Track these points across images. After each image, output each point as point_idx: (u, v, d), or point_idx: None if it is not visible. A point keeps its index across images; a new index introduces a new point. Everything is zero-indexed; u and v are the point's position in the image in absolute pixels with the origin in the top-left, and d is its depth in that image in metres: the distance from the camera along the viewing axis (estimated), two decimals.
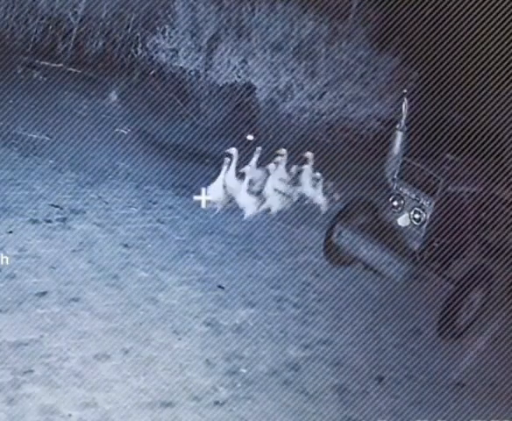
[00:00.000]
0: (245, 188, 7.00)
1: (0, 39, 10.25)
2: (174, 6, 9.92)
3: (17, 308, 4.99)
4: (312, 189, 7.43)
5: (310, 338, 5.79)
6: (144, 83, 10.48)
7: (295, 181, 7.37)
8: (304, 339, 5.74)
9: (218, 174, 8.39)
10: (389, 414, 5.17)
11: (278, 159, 7.30)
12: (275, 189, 7.15)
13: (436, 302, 6.40)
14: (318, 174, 7.49)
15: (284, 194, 7.23)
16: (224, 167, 7.05)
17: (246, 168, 7.04)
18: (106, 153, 8.02)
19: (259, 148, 7.20)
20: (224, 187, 6.92)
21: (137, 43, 10.47)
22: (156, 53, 9.86)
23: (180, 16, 9.88)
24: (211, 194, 6.94)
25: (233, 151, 7.04)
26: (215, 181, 7.06)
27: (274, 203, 7.17)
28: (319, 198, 7.42)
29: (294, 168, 7.43)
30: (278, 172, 7.22)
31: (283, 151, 7.41)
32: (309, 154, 7.51)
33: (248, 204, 6.99)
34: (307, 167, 7.45)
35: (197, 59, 9.76)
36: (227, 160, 7.03)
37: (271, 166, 7.18)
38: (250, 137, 7.92)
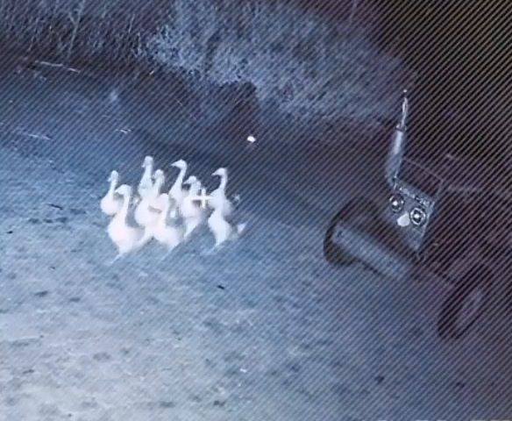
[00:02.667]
0: (190, 199, 6.44)
1: (0, 39, 10.25)
2: (174, 6, 9.92)
3: (17, 308, 4.99)
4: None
5: (310, 338, 5.79)
6: (144, 83, 10.49)
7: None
8: (304, 339, 5.74)
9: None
10: (389, 414, 5.17)
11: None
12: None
13: (436, 302, 6.40)
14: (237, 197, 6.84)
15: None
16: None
17: (190, 179, 6.48)
18: (106, 153, 8.01)
19: (183, 163, 6.61)
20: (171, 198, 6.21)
21: (137, 43, 10.48)
22: (156, 53, 9.87)
23: (180, 16, 9.89)
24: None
25: (182, 164, 6.55)
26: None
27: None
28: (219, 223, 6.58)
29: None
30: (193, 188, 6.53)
31: (182, 163, 6.66)
32: (222, 171, 6.81)
33: (195, 216, 6.43)
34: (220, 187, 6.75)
35: (197, 59, 9.77)
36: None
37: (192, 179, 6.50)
38: (251, 138, 7.76)
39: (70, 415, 4.29)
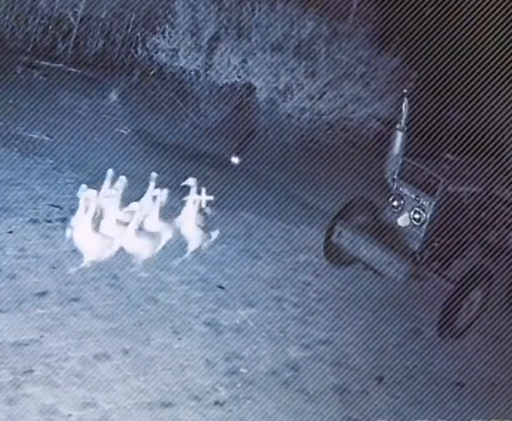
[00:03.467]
0: (157, 212, 6.12)
1: (0, 39, 10.25)
2: (174, 6, 9.92)
3: (17, 308, 4.99)
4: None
5: (310, 338, 5.79)
6: (144, 83, 10.49)
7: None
8: (304, 339, 5.74)
9: (218, 174, 8.44)
10: (389, 414, 5.17)
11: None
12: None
13: (436, 302, 6.40)
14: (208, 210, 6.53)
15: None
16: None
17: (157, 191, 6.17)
18: (106, 153, 8.02)
19: (154, 174, 6.28)
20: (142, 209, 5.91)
21: (137, 43, 10.48)
22: (156, 53, 9.87)
23: (180, 16, 9.89)
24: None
25: (153, 176, 6.24)
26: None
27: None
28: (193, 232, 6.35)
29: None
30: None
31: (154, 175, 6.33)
32: (192, 181, 6.49)
33: (162, 230, 6.07)
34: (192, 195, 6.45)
35: (197, 59, 9.77)
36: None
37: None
38: (235, 159, 7.65)
39: (70, 415, 4.29)
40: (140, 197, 6.11)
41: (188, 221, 6.25)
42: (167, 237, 6.04)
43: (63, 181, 7.11)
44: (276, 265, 6.78)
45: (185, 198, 6.35)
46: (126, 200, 5.98)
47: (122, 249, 5.80)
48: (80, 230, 5.58)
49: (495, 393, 5.75)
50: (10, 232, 5.90)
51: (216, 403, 4.77)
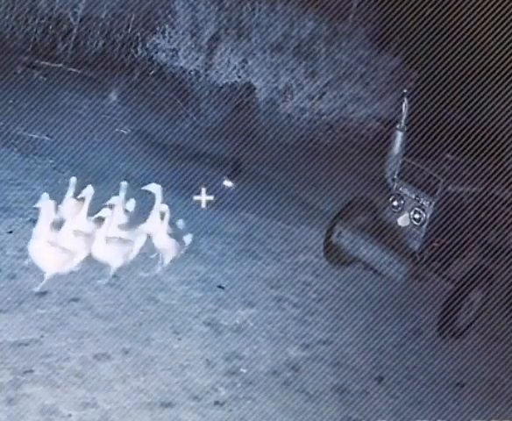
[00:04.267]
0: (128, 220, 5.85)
1: (0, 39, 10.25)
2: (174, 6, 9.92)
3: (17, 308, 4.99)
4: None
5: (310, 338, 5.79)
6: (144, 83, 10.49)
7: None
8: (304, 339, 5.74)
9: (218, 174, 8.44)
10: (389, 414, 5.17)
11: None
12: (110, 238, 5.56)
13: (436, 302, 6.40)
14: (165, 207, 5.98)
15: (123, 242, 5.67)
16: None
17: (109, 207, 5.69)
18: (106, 153, 8.02)
19: (124, 183, 5.96)
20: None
21: (137, 43, 10.48)
22: (156, 53, 9.87)
23: (180, 16, 9.89)
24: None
25: (123, 185, 5.92)
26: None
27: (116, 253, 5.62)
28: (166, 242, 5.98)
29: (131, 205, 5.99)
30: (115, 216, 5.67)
31: (124, 184, 5.96)
32: (155, 188, 6.03)
33: (113, 257, 5.60)
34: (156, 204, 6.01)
35: (197, 59, 9.77)
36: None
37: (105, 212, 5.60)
38: (227, 182, 7.51)
39: (70, 415, 4.29)
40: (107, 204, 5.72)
41: (160, 232, 5.87)
42: (139, 244, 5.73)
43: (63, 182, 7.10)
44: (276, 265, 6.78)
45: (153, 209, 5.92)
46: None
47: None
48: (36, 242, 5.20)
49: (495, 393, 5.76)
50: (10, 232, 5.90)
51: (216, 403, 4.77)
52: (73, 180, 5.80)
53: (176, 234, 6.01)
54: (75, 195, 5.72)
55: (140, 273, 5.85)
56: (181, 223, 6.09)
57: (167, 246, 5.96)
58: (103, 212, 5.52)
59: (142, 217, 5.93)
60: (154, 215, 5.93)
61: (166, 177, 7.92)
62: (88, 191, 5.62)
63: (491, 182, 6.93)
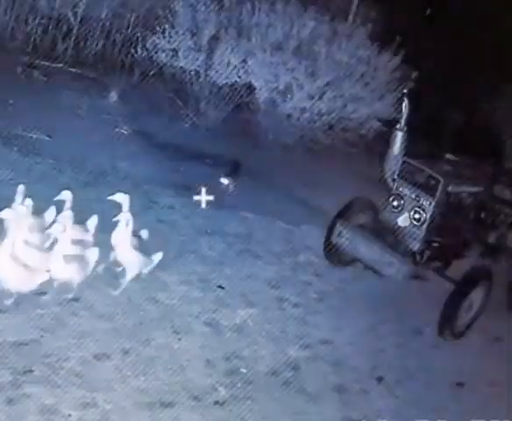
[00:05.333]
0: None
1: (0, 39, 10.25)
2: (174, 6, 9.93)
3: (17, 308, 4.99)
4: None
5: (310, 338, 5.79)
6: (144, 83, 10.49)
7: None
8: (304, 339, 5.74)
9: (219, 173, 8.44)
10: (389, 414, 5.16)
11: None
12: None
13: (436, 302, 6.39)
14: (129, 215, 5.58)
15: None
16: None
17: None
18: (106, 153, 8.01)
19: (67, 193, 5.57)
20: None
21: (137, 43, 10.48)
22: (156, 53, 9.88)
23: (180, 16, 9.90)
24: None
25: (67, 195, 5.55)
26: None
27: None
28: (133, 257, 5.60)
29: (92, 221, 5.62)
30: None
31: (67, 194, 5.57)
32: (122, 197, 5.67)
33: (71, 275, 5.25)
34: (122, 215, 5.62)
35: (197, 59, 9.77)
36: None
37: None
38: (224, 180, 7.40)
39: (70, 415, 4.29)
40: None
41: (123, 244, 5.53)
42: (93, 258, 5.33)
43: (63, 181, 7.10)
44: (276, 265, 6.78)
45: (116, 218, 5.55)
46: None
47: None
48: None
49: (495, 393, 5.75)
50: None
51: (216, 402, 4.76)
52: (20, 188, 5.44)
53: (142, 248, 5.63)
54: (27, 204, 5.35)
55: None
56: (145, 233, 5.75)
57: (130, 260, 5.56)
58: (55, 228, 5.17)
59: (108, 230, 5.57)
60: (119, 227, 5.54)
61: (166, 177, 7.92)
62: (28, 203, 5.30)
63: (491, 182, 6.93)
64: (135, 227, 5.61)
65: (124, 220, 5.55)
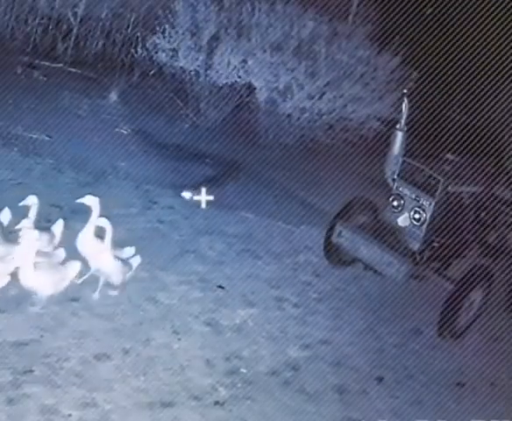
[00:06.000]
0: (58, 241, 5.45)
1: (0, 39, 10.25)
2: (174, 6, 9.93)
3: (17, 308, 4.99)
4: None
5: (310, 338, 5.79)
6: (144, 83, 10.49)
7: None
8: (304, 339, 5.74)
9: (218, 174, 8.44)
10: (389, 414, 5.17)
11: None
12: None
13: (436, 302, 6.40)
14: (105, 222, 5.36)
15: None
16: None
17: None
18: (106, 153, 8.01)
19: (32, 198, 5.39)
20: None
21: (137, 43, 10.49)
22: (156, 53, 9.88)
23: (180, 16, 9.89)
24: None
25: (33, 200, 5.36)
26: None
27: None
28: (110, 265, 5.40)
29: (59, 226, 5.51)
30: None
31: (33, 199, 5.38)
32: (91, 200, 5.47)
33: (41, 285, 5.05)
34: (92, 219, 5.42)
35: (197, 59, 9.77)
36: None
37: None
38: (186, 194, 7.02)
39: (70, 415, 4.29)
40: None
41: (105, 252, 5.34)
42: (74, 269, 5.20)
43: (63, 181, 7.11)
44: (276, 265, 6.78)
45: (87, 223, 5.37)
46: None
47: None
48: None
49: (495, 393, 5.76)
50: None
51: (216, 403, 4.77)
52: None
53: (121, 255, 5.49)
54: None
55: (140, 273, 5.82)
56: (129, 250, 5.54)
57: (109, 268, 5.39)
58: (22, 234, 4.99)
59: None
60: (88, 231, 5.35)
61: (166, 177, 7.93)
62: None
63: (491, 182, 6.93)
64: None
65: (94, 225, 5.35)
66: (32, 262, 4.92)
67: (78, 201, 5.46)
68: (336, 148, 10.16)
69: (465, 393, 5.69)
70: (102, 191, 7.07)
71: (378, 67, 10.43)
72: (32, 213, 5.34)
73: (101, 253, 5.34)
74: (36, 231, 5.07)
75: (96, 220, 5.38)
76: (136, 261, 5.56)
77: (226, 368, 5.10)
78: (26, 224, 5.12)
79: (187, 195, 7.10)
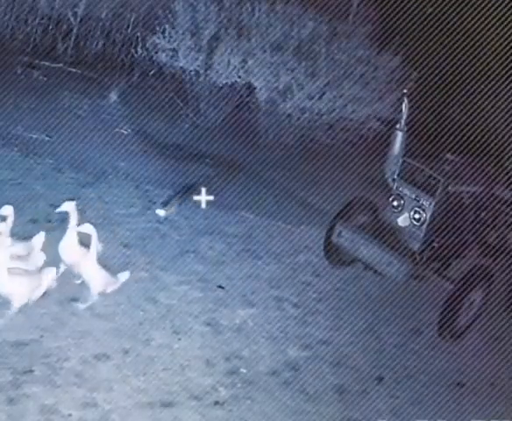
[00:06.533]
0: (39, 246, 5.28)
1: (0, 39, 10.25)
2: (174, 6, 9.92)
3: (17, 308, 4.98)
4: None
5: (310, 338, 5.79)
6: (144, 83, 10.49)
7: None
8: (304, 339, 5.74)
9: (218, 174, 8.44)
10: (389, 414, 5.17)
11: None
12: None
13: (436, 302, 6.40)
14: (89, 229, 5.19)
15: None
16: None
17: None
18: (106, 153, 8.02)
19: (8, 208, 5.22)
20: None
21: (137, 43, 10.48)
22: (156, 53, 9.87)
23: (180, 16, 9.89)
24: None
25: (9, 210, 5.20)
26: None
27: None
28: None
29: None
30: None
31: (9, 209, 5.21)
32: (68, 206, 5.28)
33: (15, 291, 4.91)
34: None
35: (197, 59, 9.76)
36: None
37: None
38: (160, 212, 6.49)
39: (70, 415, 4.30)
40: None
41: (89, 258, 5.20)
42: (50, 277, 5.06)
43: (63, 181, 7.12)
44: (276, 265, 6.78)
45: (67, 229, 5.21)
46: None
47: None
48: None
49: (495, 393, 5.76)
50: None
51: (216, 403, 4.77)
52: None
53: (109, 267, 5.41)
54: None
55: (140, 273, 5.84)
56: (100, 247, 5.36)
57: (92, 277, 5.25)
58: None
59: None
60: (70, 238, 5.22)
61: (166, 177, 7.93)
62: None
63: (491, 182, 6.93)
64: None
65: (76, 231, 5.21)
66: (6, 268, 4.79)
67: (57, 211, 5.29)
68: (336, 148, 10.16)
69: (465, 393, 5.69)
70: (102, 191, 7.10)
71: (378, 67, 10.43)
72: (9, 221, 5.19)
73: (85, 260, 5.20)
74: (9, 239, 4.98)
75: (76, 226, 5.22)
76: (124, 277, 5.43)
77: (226, 368, 5.11)
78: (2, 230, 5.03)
79: (160, 212, 6.76)
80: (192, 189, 7.46)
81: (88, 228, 5.22)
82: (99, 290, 5.27)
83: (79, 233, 5.26)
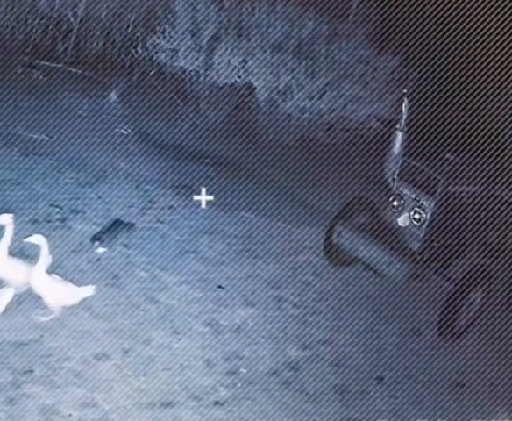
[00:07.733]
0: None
1: (0, 39, 10.25)
2: (174, 6, 9.92)
3: (17, 308, 4.99)
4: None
5: (310, 338, 5.79)
6: (144, 83, 10.49)
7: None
8: (304, 339, 5.74)
9: (218, 174, 8.44)
10: (389, 414, 5.17)
11: None
12: None
13: (436, 302, 6.40)
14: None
15: None
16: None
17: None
18: (106, 153, 8.02)
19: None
20: None
21: (137, 43, 10.49)
22: (156, 53, 9.88)
23: (180, 16, 9.89)
24: None
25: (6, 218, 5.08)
26: None
27: None
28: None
29: None
30: None
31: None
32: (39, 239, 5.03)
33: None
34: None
35: (197, 59, 9.77)
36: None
37: None
38: (99, 248, 6.06)
39: (70, 415, 4.30)
40: None
41: (37, 271, 4.97)
42: (7, 297, 4.83)
43: (63, 181, 7.12)
44: (276, 265, 6.78)
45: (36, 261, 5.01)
46: None
47: None
48: None
49: (495, 393, 5.75)
50: None
51: (216, 403, 4.77)
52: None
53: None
54: None
55: (140, 273, 5.85)
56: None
57: (43, 290, 4.97)
58: None
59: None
60: (39, 271, 4.97)
61: (166, 177, 7.93)
62: None
63: (491, 182, 6.93)
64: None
65: (44, 262, 4.97)
66: None
67: (26, 240, 5.05)
68: (336, 148, 10.16)
69: (465, 393, 5.69)
70: (102, 191, 7.10)
71: (378, 68, 10.43)
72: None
73: (32, 273, 4.95)
74: None
75: (45, 259, 4.95)
76: (87, 292, 5.12)
77: (226, 368, 5.11)
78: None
79: (100, 250, 6.07)
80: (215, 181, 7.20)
81: (37, 239, 4.99)
82: (54, 304, 4.97)
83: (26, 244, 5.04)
